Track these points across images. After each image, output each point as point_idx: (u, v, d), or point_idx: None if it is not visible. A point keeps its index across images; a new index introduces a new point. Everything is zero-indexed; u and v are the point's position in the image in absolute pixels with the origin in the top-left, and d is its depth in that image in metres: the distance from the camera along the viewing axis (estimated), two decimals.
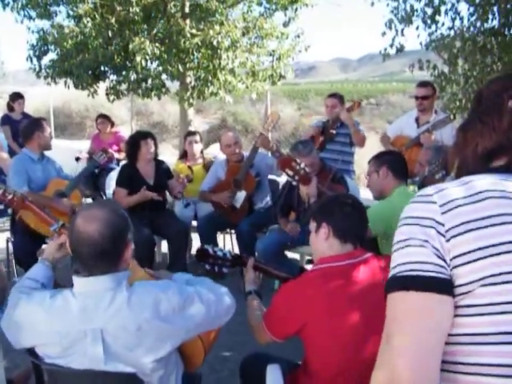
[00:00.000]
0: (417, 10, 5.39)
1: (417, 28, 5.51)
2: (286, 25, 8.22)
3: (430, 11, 5.34)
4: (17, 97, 6.66)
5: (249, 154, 4.23)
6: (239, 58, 7.58)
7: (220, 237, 4.75)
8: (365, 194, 4.57)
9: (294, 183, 3.12)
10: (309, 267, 2.42)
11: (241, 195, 4.23)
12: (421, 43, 5.55)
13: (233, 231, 4.58)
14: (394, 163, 2.86)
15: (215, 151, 6.28)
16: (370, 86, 42.47)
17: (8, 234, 4.21)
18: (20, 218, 3.61)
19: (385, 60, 5.73)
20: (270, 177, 4.62)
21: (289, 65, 8.40)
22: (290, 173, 2.93)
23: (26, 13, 7.56)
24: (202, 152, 5.12)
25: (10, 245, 3.97)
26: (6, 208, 3.04)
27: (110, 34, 7.30)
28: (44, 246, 3.60)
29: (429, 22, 5.39)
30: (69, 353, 1.53)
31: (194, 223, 4.66)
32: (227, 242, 4.88)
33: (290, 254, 4.19)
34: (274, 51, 8.13)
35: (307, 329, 1.75)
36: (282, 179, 4.43)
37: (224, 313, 1.71)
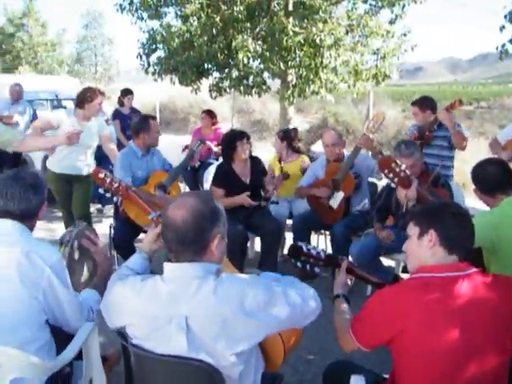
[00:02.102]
0: None
1: None
2: (392, 22, 7.93)
3: None
4: (127, 92, 7.09)
5: (350, 155, 4.10)
6: (342, 56, 7.43)
7: (314, 237, 4.68)
8: (469, 202, 4.26)
9: (393, 185, 2.97)
10: (405, 276, 2.28)
11: (338, 196, 4.12)
12: None
13: (327, 232, 4.48)
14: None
15: (318, 149, 6.21)
16: (481, 88, 39.91)
17: (112, 220, 4.47)
18: (123, 210, 3.80)
19: (502, 58, 5.29)
20: (370, 179, 4.46)
21: (393, 64, 8.09)
22: (390, 174, 2.79)
23: (139, 14, 8.01)
24: (298, 151, 5.08)
25: (113, 231, 4.19)
26: (112, 196, 3.20)
27: (214, 33, 7.51)
28: (142, 236, 3.78)
29: None
30: (154, 336, 1.56)
31: (289, 222, 4.62)
32: (321, 243, 4.79)
33: (385, 261, 4.02)
34: (378, 50, 7.89)
35: (399, 340, 1.63)
36: (382, 183, 4.25)
37: (308, 315, 1.66)
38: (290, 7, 7.64)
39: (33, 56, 28.88)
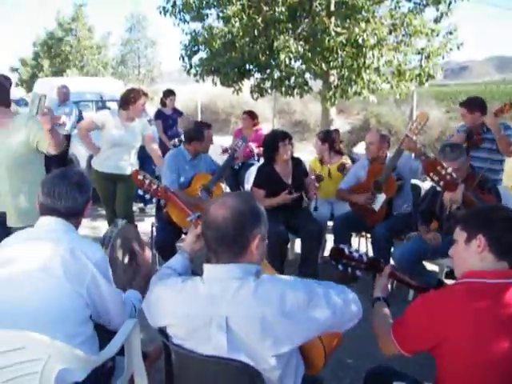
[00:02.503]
0: None
1: None
2: (437, 21, 7.72)
3: None
4: (169, 93, 7.21)
5: (392, 156, 4.03)
6: (385, 56, 7.31)
7: (355, 239, 4.62)
8: None
9: (439, 189, 2.89)
10: (449, 281, 2.21)
11: (380, 198, 4.05)
12: None
13: (368, 235, 4.42)
14: None
15: (360, 151, 6.13)
16: None
17: (153, 220, 4.54)
18: (166, 212, 3.86)
19: None
20: (413, 181, 4.36)
21: (438, 64, 7.88)
22: (435, 178, 2.71)
23: (182, 17, 8.12)
24: (340, 153, 5.03)
25: (154, 230, 4.26)
26: (151, 197, 3.26)
27: (255, 33, 7.52)
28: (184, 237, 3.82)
29: None
30: (194, 336, 1.57)
31: (330, 223, 4.57)
32: (362, 246, 4.72)
33: (428, 266, 3.92)
34: (422, 49, 7.69)
35: (445, 347, 1.58)
36: (426, 185, 4.15)
37: (349, 319, 1.63)
38: (332, 7, 7.56)
39: (79, 59, 29.77)
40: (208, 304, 1.54)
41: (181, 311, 1.58)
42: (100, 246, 2.02)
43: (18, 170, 3.01)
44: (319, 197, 4.59)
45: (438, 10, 7.56)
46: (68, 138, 7.76)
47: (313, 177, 4.38)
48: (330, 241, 4.63)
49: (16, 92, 34.12)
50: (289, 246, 4.37)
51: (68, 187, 1.94)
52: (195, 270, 2.01)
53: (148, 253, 2.54)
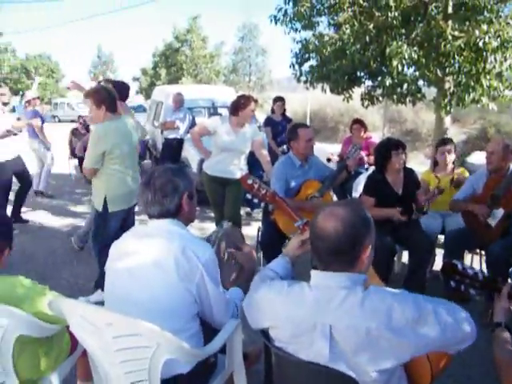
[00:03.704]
0: None
1: None
2: None
3: None
4: (277, 99, 7.36)
5: None
6: (509, 60, 6.78)
7: (467, 256, 4.34)
8: None
9: None
10: None
11: (497, 213, 3.76)
12: None
13: (483, 252, 4.12)
14: None
15: (475, 160, 5.77)
16: None
17: (260, 224, 4.62)
18: (274, 219, 3.90)
19: None
20: None
21: None
22: None
23: (293, 25, 8.19)
24: (453, 164, 4.75)
25: (260, 234, 4.33)
26: (259, 202, 3.31)
27: (367, 40, 7.36)
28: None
29: None
30: (297, 341, 1.57)
31: (441, 237, 4.34)
32: (475, 264, 4.41)
33: None
34: None
35: None
36: None
37: (461, 339, 1.52)
38: (450, 9, 7.19)
39: (193, 68, 31.34)
40: (313, 310, 1.53)
41: (286, 315, 1.59)
42: (210, 246, 2.08)
43: None
44: (429, 209, 4.38)
45: None
46: (181, 142, 8.19)
47: (431, 187, 4.16)
48: (439, 255, 4.39)
49: (136, 99, 36.80)
50: (395, 258, 4.20)
51: (151, 194, 2.00)
52: (294, 275, 2.02)
53: (252, 254, 2.58)
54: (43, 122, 7.79)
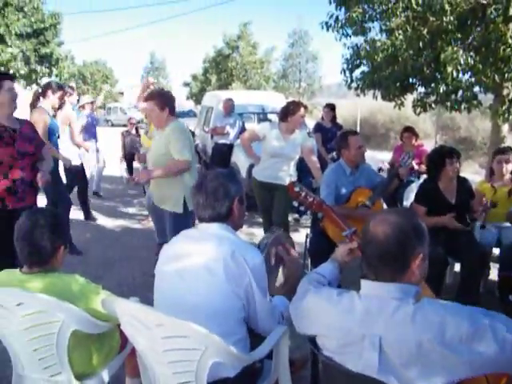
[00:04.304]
0: None
1: None
2: None
3: None
4: (326, 106, 7.37)
5: None
6: None
7: None
8: None
9: None
10: None
11: None
12: None
13: None
14: None
15: None
16: None
17: (308, 231, 4.60)
18: (323, 226, 3.88)
19: None
20: None
21: None
22: None
23: (344, 31, 8.13)
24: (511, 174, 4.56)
25: (308, 241, 4.30)
26: (306, 210, 3.29)
27: (420, 45, 7.19)
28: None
29: None
30: (344, 351, 1.55)
31: (496, 250, 4.17)
32: None
33: None
34: None
35: None
36: None
37: None
38: (511, 12, 6.91)
39: (243, 74, 31.63)
40: (363, 321, 1.51)
41: (334, 324, 1.57)
42: (259, 252, 2.08)
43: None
44: (486, 221, 4.23)
45: None
46: (230, 147, 8.28)
47: (484, 198, 4.02)
48: (494, 268, 4.22)
49: (186, 104, 37.53)
50: (447, 270, 4.07)
51: (203, 197, 2.02)
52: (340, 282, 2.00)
53: (299, 262, 2.56)
54: (96, 125, 8.07)
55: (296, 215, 6.79)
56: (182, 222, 3.80)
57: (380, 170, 6.17)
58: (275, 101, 10.48)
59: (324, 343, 1.62)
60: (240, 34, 32.08)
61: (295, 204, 3.23)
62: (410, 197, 4.65)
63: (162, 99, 3.80)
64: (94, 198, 8.24)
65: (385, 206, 5.70)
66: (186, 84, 39.40)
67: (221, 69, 32.61)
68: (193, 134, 11.23)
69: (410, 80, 7.87)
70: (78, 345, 2.11)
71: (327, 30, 8.14)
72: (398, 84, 7.75)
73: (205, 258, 1.93)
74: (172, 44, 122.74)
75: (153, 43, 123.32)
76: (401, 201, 5.55)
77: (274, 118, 9.98)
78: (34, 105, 5.11)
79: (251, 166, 5.64)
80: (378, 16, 7.83)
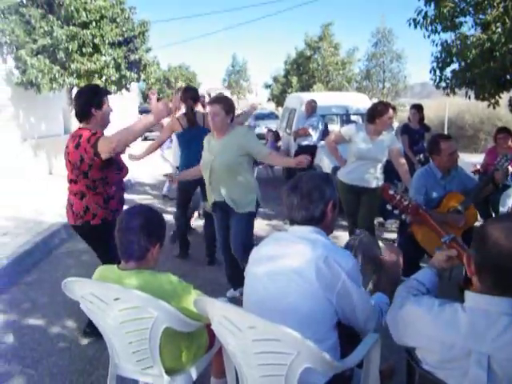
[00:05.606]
0: None
1: None
2: None
3: None
4: (412, 108, 7.12)
5: None
6: None
7: None
8: None
9: None
10: None
11: None
12: None
13: None
14: None
15: None
16: None
17: (394, 235, 4.44)
18: (412, 231, 3.74)
19: None
20: None
21: None
22: None
23: (433, 27, 7.77)
24: None
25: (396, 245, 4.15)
26: (400, 214, 3.15)
27: None
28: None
29: None
30: (447, 366, 1.46)
31: None
32: None
33: None
34: None
35: None
36: None
37: None
38: None
39: (325, 75, 31.36)
40: (468, 336, 1.41)
41: (435, 337, 1.48)
42: (352, 256, 2.03)
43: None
44: None
45: None
46: (314, 148, 8.22)
47: None
48: None
49: (267, 106, 37.79)
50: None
51: (298, 198, 1.99)
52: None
53: (399, 260, 2.45)
54: None
55: (381, 219, 6.60)
56: (252, 221, 4.00)
57: (476, 172, 5.85)
58: (359, 102, 10.28)
59: (424, 357, 1.53)
60: (321, 34, 31.85)
61: (389, 207, 3.10)
62: (507, 202, 4.36)
63: (228, 104, 3.80)
64: (165, 200, 8.72)
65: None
66: (267, 86, 39.70)
67: (302, 70, 32.55)
68: (277, 134, 11.30)
69: (508, 77, 7.37)
70: (169, 341, 2.16)
71: (415, 27, 7.84)
72: (494, 82, 7.28)
73: (296, 261, 1.90)
74: (253, 46, 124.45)
75: (235, 46, 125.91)
76: (494, 206, 5.20)
77: (358, 119, 9.80)
78: None
79: (335, 169, 5.56)
80: (471, 9, 7.41)
